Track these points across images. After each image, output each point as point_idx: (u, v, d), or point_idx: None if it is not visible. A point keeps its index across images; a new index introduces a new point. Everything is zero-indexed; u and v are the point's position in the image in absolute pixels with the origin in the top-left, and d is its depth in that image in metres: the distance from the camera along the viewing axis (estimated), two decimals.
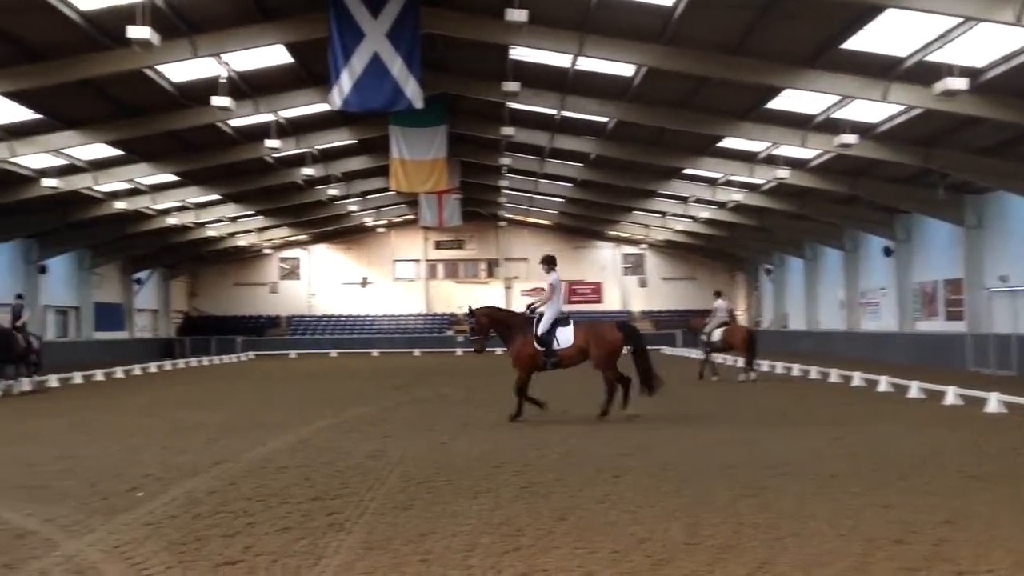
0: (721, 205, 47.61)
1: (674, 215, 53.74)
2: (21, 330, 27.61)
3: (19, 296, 29.22)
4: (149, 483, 11.68)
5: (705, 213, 49.68)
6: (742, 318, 65.52)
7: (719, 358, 31.66)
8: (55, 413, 21.83)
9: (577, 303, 68.22)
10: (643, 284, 68.72)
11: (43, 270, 46.32)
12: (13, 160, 32.71)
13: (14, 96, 26.76)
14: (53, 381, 31.50)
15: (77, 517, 9.68)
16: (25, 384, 28.03)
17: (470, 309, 18.52)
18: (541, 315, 17.83)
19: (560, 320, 17.85)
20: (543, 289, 18.20)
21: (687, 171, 42.07)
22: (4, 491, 11.24)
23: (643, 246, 67.82)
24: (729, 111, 31.64)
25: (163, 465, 13.12)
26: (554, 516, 9.42)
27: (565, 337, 17.67)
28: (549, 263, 18.23)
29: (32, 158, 33.47)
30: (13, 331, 27.18)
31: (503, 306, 18.31)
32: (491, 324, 18.10)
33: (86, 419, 20.25)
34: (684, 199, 48.76)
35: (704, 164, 39.46)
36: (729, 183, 43.48)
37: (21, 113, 29.00)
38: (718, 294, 30.49)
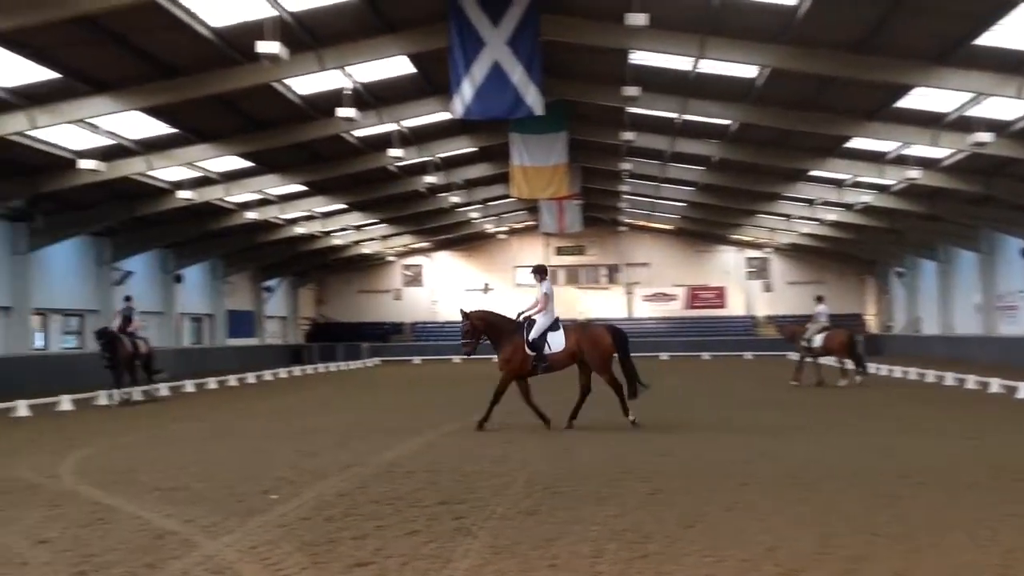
0: (849, 207, 46.49)
1: (800, 218, 52.70)
2: (130, 335, 26.61)
3: (127, 299, 28.09)
4: (282, 486, 11.97)
5: (832, 215, 48.58)
6: (872, 322, 63.86)
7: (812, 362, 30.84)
8: (191, 417, 22.59)
9: (700, 308, 67.46)
10: (768, 288, 67.55)
11: (179, 279, 47.98)
12: (151, 173, 33.99)
13: (151, 111, 27.81)
14: (189, 386, 32.59)
15: (214, 518, 9.98)
16: (136, 394, 27.06)
17: (463, 311, 18.32)
18: (532, 321, 17.87)
19: (551, 325, 17.93)
20: (544, 297, 17.99)
21: (813, 173, 41.23)
22: (145, 493, 11.67)
23: (768, 250, 66.68)
24: (856, 111, 30.90)
25: (295, 468, 13.44)
26: (681, 523, 9.33)
27: (556, 341, 17.77)
28: (541, 272, 18.20)
29: (168, 171, 34.73)
30: (119, 335, 26.12)
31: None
32: (484, 328, 17.97)
33: (220, 423, 20.89)
34: (810, 202, 47.79)
35: (831, 165, 38.60)
36: (857, 184, 42.44)
37: (157, 128, 30.13)
38: (819, 299, 29.91)
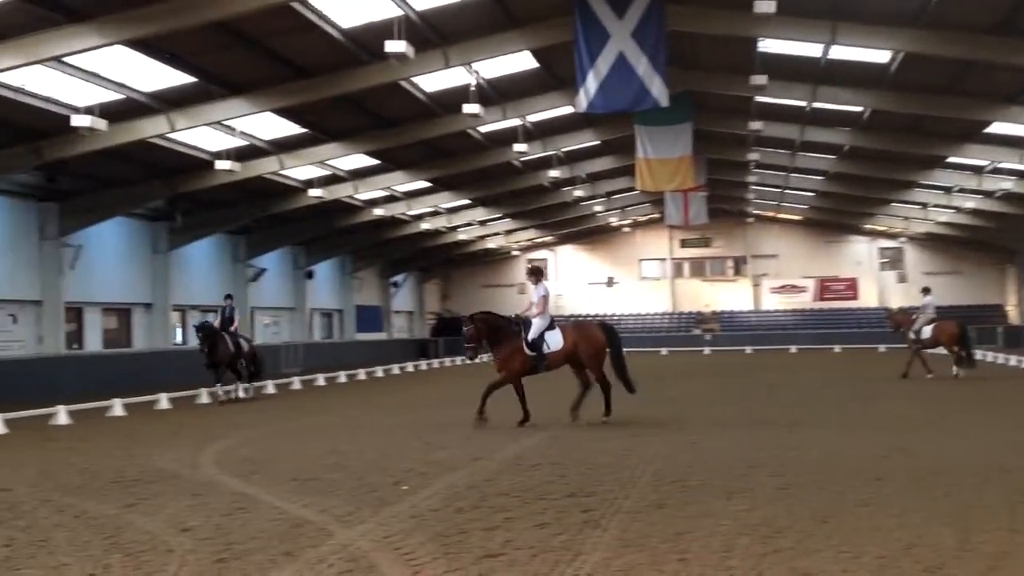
0: (989, 194, 44.79)
1: (936, 206, 51.02)
2: (232, 334, 25.82)
3: (228, 296, 27.12)
4: (412, 477, 12.17)
5: (971, 203, 46.87)
6: (1013, 313, 61.43)
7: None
8: (323, 410, 23.14)
9: (830, 300, 65.94)
10: (902, 279, 65.56)
11: (310, 275, 49.16)
12: (283, 172, 34.91)
13: (283, 112, 28.55)
14: (320, 380, 33.36)
15: (348, 508, 10.20)
16: (240, 391, 26.40)
17: (469, 316, 18.26)
18: (529, 322, 17.83)
19: (548, 325, 17.94)
20: (543, 300, 17.96)
21: (950, 159, 39.87)
22: (281, 483, 12.00)
23: (902, 239, 64.76)
24: (996, 95, 29.75)
25: (425, 460, 13.64)
26: (815, 518, 9.15)
27: (554, 340, 17.80)
28: (537, 275, 18.40)
29: (299, 170, 35.61)
30: (221, 333, 25.43)
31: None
32: (486, 330, 17.87)
33: (351, 416, 21.34)
34: (947, 189, 46.21)
35: (969, 151, 37.25)
36: (997, 171, 40.85)
37: (289, 128, 30.93)
38: (926, 291, 29.23)
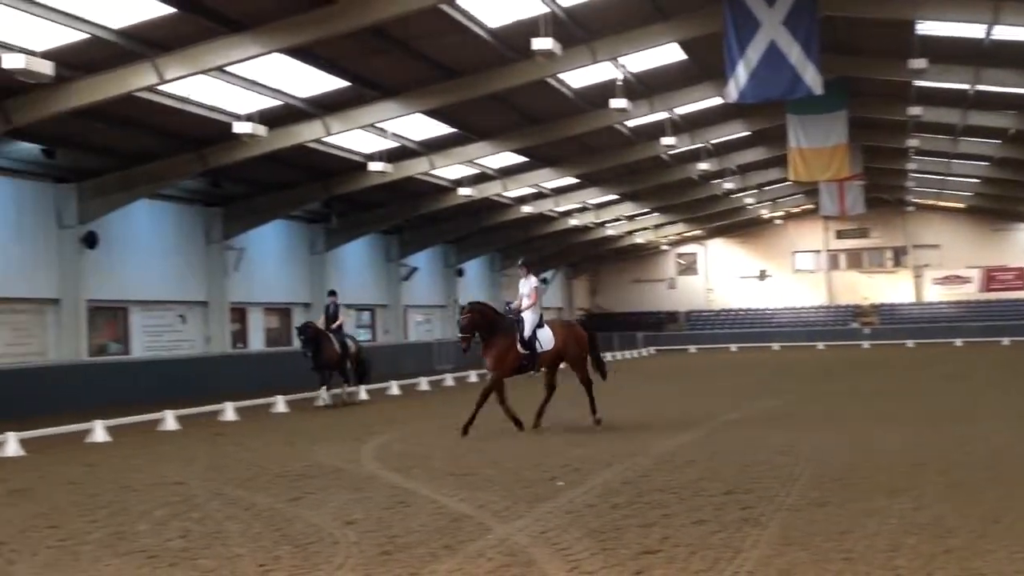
0: None
1: None
2: (337, 333, 24.25)
3: (332, 293, 25.56)
4: (567, 473, 12.21)
5: None
6: None
7: None
8: (465, 403, 23.38)
9: (998, 290, 63.15)
10: None
11: (460, 273, 49.86)
12: (433, 172, 35.50)
13: (432, 113, 29.02)
14: (473, 376, 33.78)
15: (505, 503, 10.31)
16: (340, 396, 24.54)
17: (465, 305, 17.55)
18: (522, 318, 16.90)
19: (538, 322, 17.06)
20: (535, 291, 17.11)
21: None
22: (439, 478, 12.22)
23: None
24: None
25: (579, 456, 13.67)
26: (987, 517, 8.79)
27: (546, 338, 16.91)
28: (529, 267, 17.52)
29: (449, 169, 36.14)
30: (325, 333, 23.83)
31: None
32: (483, 323, 16.83)
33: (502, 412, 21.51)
34: None
35: None
36: None
37: (439, 128, 31.43)
38: None
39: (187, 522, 9.85)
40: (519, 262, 18.07)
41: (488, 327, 16.81)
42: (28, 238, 26.29)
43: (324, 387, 23.71)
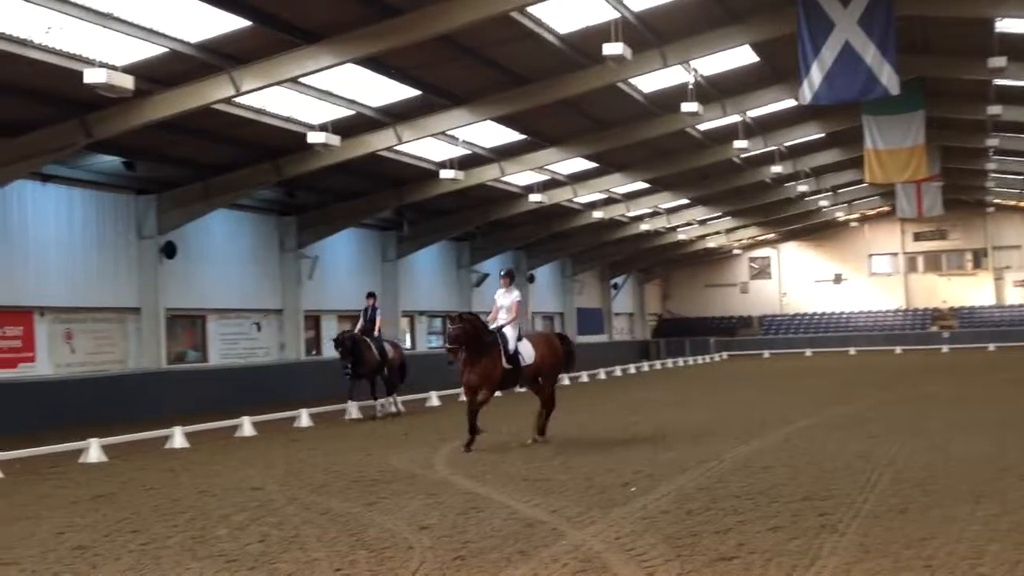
0: None
1: None
2: (376, 339, 22.92)
3: (370, 295, 24.01)
4: (640, 479, 12.16)
5: None
6: None
7: None
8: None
9: None
10: None
11: (531, 279, 49.88)
12: (504, 179, 35.59)
13: (503, 120, 29.09)
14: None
15: (578, 509, 10.31)
16: (378, 406, 23.10)
17: (458, 315, 16.36)
18: (503, 332, 16.14)
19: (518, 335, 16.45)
20: (517, 305, 16.41)
21: None
22: (512, 483, 12.25)
23: None
24: None
25: (652, 462, 13.61)
26: None
27: (528, 352, 16.26)
28: (511, 277, 16.86)
29: (519, 176, 36.20)
30: (364, 340, 22.51)
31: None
32: (472, 335, 15.75)
33: (576, 418, 21.52)
34: None
35: None
36: None
37: (509, 135, 31.50)
38: None
39: (265, 527, 10.00)
40: (501, 272, 17.14)
41: (475, 340, 15.76)
42: (109, 248, 26.91)
43: (349, 398, 22.75)
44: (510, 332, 16.26)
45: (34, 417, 21.86)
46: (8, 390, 22.77)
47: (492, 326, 16.20)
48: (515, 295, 16.52)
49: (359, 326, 23.35)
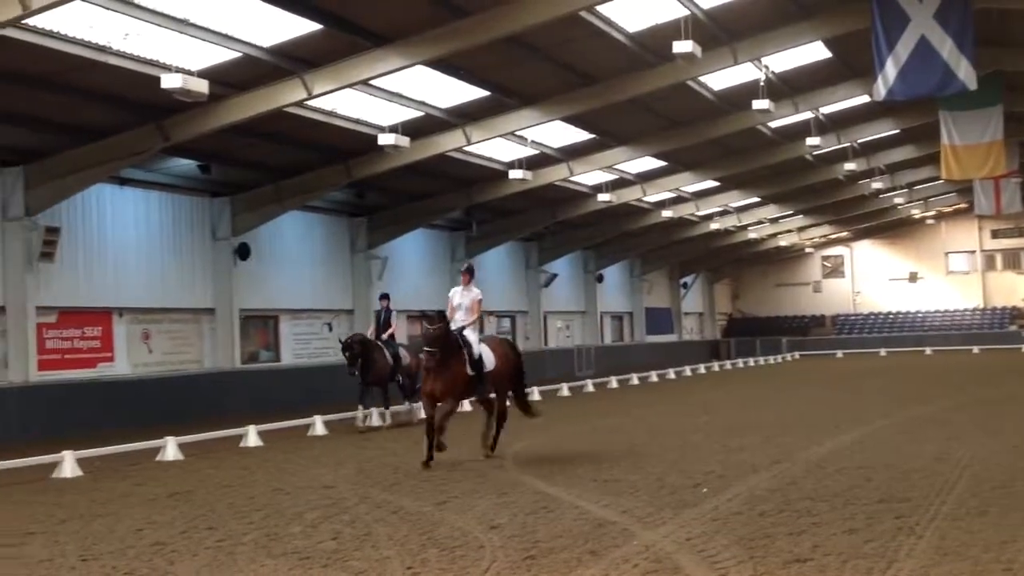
0: None
1: None
2: (388, 343, 21.24)
3: (384, 296, 22.17)
4: (712, 480, 12.07)
5: None
6: None
7: None
8: (618, 412, 23.35)
9: None
10: None
11: (600, 279, 49.75)
12: (572, 179, 35.55)
13: (571, 120, 29.07)
14: (613, 382, 33.66)
15: (648, 509, 10.26)
16: (387, 417, 21.28)
17: (435, 312, 14.48)
18: (464, 336, 14.71)
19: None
20: (478, 304, 15.02)
21: None
22: (582, 483, 12.23)
23: None
24: None
25: (723, 463, 13.50)
26: None
27: (488, 359, 14.80)
28: (471, 273, 15.03)
29: (587, 175, 36.13)
30: (377, 344, 20.90)
31: None
32: (445, 338, 14.18)
33: (645, 418, 21.44)
34: None
35: None
36: None
37: (577, 135, 31.46)
38: None
39: (337, 525, 10.11)
40: (462, 267, 15.47)
41: (446, 345, 14.16)
42: (185, 250, 27.40)
43: (361, 406, 20.72)
44: (471, 335, 14.73)
45: (112, 416, 22.35)
46: (88, 389, 23.32)
47: (452, 327, 14.38)
48: (475, 293, 14.89)
49: (371, 330, 22.09)
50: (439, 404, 14.31)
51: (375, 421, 21.19)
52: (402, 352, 21.54)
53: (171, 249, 26.96)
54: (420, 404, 18.35)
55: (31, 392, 22.06)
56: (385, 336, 21.20)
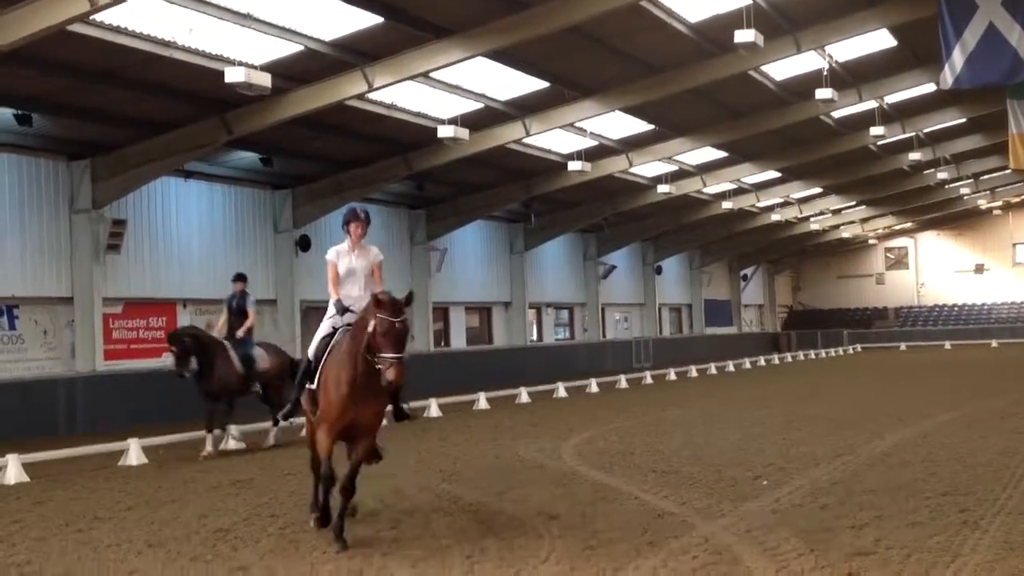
0: None
1: None
2: (241, 342, 16.29)
3: (238, 278, 17.17)
4: (772, 472, 11.98)
5: None
6: None
7: None
8: (677, 403, 23.25)
9: None
10: None
11: (659, 271, 49.52)
12: (631, 170, 35.39)
13: (631, 110, 28.91)
14: (671, 375, 33.47)
15: (708, 501, 10.22)
16: (229, 439, 16.70)
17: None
18: (246, 342, 14.73)
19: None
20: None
21: None
22: (640, 475, 12.20)
23: None
24: None
25: (783, 455, 13.39)
26: None
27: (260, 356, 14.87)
28: (366, 222, 9.91)
29: (647, 167, 35.93)
30: (220, 344, 16.23)
31: None
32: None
33: (704, 410, 21.31)
34: None
35: None
36: None
37: (637, 126, 31.27)
38: None
39: (396, 514, 10.20)
40: (352, 215, 9.94)
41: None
42: (247, 242, 27.75)
43: (208, 433, 15.88)
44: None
45: (177, 405, 22.69)
46: (153, 379, 23.68)
47: (353, 308, 9.47)
48: (375, 252, 9.99)
49: (220, 322, 16.92)
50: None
51: (232, 444, 16.67)
52: (258, 353, 16.53)
53: (233, 241, 27.32)
54: (282, 424, 14.92)
55: (98, 381, 22.50)
56: (241, 332, 16.27)
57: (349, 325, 9.26)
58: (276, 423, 15.99)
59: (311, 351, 9.63)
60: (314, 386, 9.31)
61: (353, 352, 8.85)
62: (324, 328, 9.67)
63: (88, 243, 22.55)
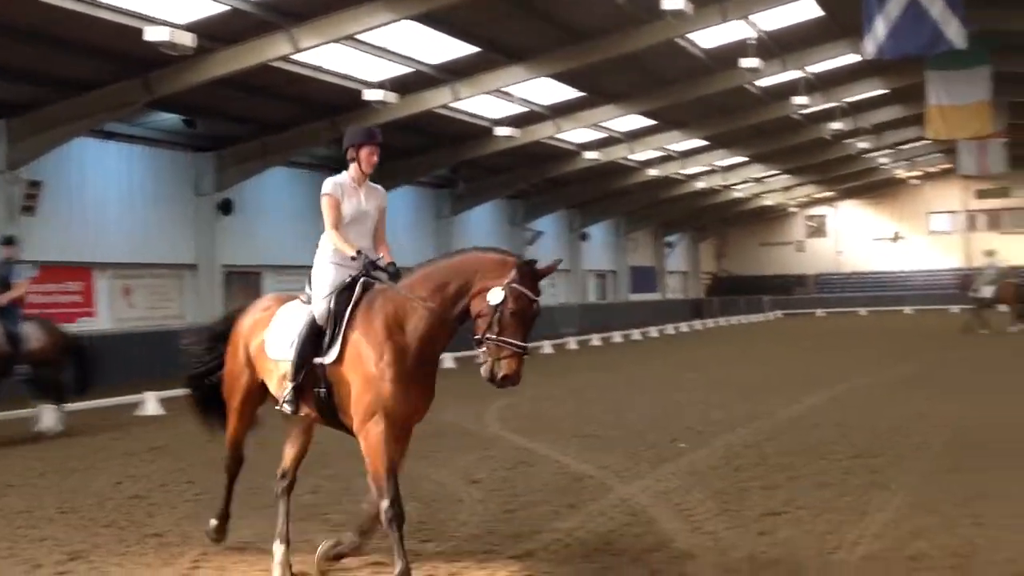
0: None
1: None
2: (4, 313, 13.74)
3: (7, 241, 14.52)
4: (690, 435, 12.19)
5: None
6: None
7: None
8: (600, 368, 23.48)
9: None
10: None
11: (584, 237, 49.77)
12: (558, 136, 35.44)
13: (559, 77, 28.90)
14: (595, 340, 33.76)
15: (627, 464, 10.37)
16: (46, 420, 14.40)
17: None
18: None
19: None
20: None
21: None
22: (563, 439, 12.33)
23: None
24: None
25: (702, 419, 13.63)
26: None
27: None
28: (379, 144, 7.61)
29: (574, 133, 36.02)
30: None
31: None
32: None
33: (628, 376, 21.55)
34: None
35: None
36: None
37: (565, 92, 31.28)
38: (989, 253, 33.85)
39: (318, 479, 10.17)
40: (363, 136, 7.56)
41: None
42: (167, 205, 27.24)
43: None
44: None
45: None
46: None
47: (348, 253, 7.21)
48: (383, 194, 7.67)
49: None
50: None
51: (46, 424, 14.40)
52: (27, 329, 14.08)
53: (153, 204, 26.81)
54: (57, 410, 14.15)
55: None
56: (3, 301, 13.74)
57: (373, 280, 6.94)
58: (59, 405, 14.40)
59: (318, 310, 7.05)
60: (329, 360, 6.79)
61: (435, 322, 6.57)
62: (332, 275, 7.21)
63: (2, 205, 21.95)
